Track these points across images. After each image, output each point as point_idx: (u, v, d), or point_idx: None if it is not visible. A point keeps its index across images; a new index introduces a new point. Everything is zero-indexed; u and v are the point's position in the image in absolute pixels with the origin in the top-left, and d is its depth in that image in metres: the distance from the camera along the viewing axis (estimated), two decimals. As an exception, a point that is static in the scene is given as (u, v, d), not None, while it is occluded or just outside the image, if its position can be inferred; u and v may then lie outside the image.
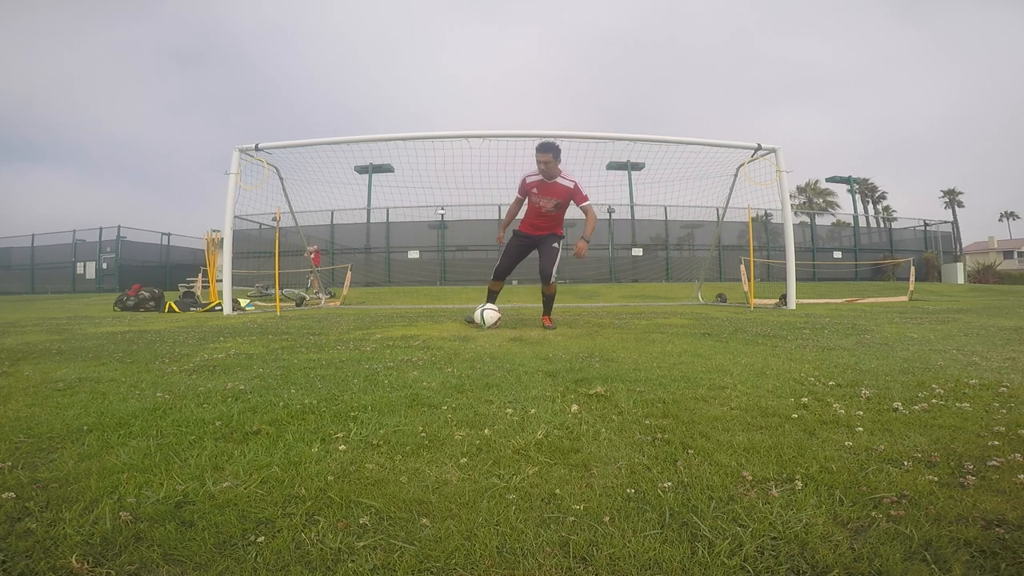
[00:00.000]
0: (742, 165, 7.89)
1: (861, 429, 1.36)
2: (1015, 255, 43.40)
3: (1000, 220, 51.75)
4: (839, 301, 9.00)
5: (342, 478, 1.09)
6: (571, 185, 4.10)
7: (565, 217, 4.34)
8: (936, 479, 1.03)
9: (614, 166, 9.83)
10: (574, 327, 4.20)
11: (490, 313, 4.17)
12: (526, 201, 4.30)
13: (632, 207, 19.46)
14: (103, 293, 16.43)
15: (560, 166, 4.12)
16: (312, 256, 10.38)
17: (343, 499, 0.99)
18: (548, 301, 4.41)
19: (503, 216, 4.63)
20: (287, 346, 3.15)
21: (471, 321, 4.27)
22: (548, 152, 4.01)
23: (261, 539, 0.86)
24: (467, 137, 6.93)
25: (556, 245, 4.24)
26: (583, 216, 4.16)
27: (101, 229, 20.12)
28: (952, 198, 44.25)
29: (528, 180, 4.20)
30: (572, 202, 4.17)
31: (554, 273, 4.21)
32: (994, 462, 1.11)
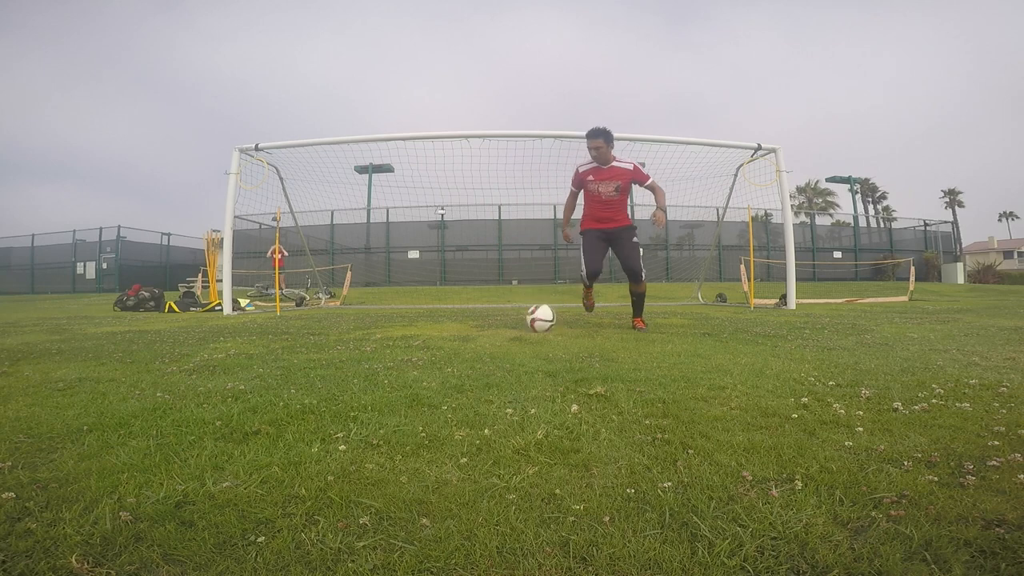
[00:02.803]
0: (742, 165, 7.89)
1: (861, 429, 1.35)
2: (1015, 255, 43.39)
3: (1000, 220, 51.77)
4: (839, 301, 9.00)
5: (342, 478, 1.09)
6: (630, 167, 4.02)
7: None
8: (936, 479, 1.03)
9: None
10: (574, 327, 4.20)
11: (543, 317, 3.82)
12: (581, 195, 4.16)
13: (632, 207, 19.42)
14: (103, 293, 16.43)
15: (614, 151, 4.07)
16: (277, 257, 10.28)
17: (343, 499, 0.99)
18: (639, 300, 4.23)
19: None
20: (287, 346, 3.15)
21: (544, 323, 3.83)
22: (599, 138, 3.92)
23: (261, 539, 0.86)
24: (467, 137, 6.94)
25: (636, 239, 4.11)
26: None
27: (101, 229, 20.13)
28: (952, 198, 44.25)
29: (581, 170, 4.07)
30: (634, 184, 4.10)
31: (643, 268, 4.09)
32: (994, 462, 1.11)
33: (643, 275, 4.07)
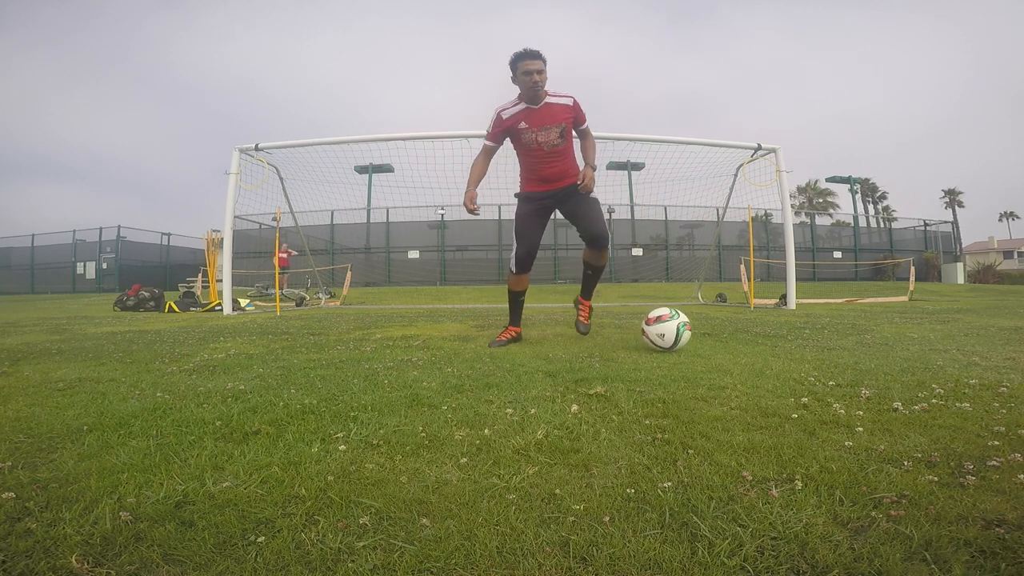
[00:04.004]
0: (742, 165, 7.89)
1: (861, 429, 1.35)
2: (1015, 255, 43.40)
3: (1000, 220, 51.82)
4: (839, 301, 8.99)
5: (342, 478, 1.09)
6: (570, 101, 2.94)
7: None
8: (936, 479, 1.03)
9: (614, 166, 9.84)
10: (574, 327, 4.19)
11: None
12: (516, 152, 3.07)
13: (632, 207, 19.47)
14: (103, 293, 16.43)
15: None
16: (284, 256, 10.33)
17: (343, 499, 0.99)
18: (595, 276, 3.22)
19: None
20: (287, 346, 3.15)
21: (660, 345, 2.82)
22: (540, 59, 2.80)
23: (261, 539, 0.86)
24: (467, 137, 6.93)
25: (596, 195, 3.07)
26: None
27: (101, 229, 20.15)
28: (952, 198, 44.26)
29: (506, 115, 2.93)
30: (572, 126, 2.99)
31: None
32: (994, 462, 1.11)
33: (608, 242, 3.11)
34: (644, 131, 7.34)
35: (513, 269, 3.16)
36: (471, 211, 2.94)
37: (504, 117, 2.95)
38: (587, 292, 3.30)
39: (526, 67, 2.78)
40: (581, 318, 3.30)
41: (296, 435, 1.36)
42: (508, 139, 3.04)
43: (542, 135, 2.91)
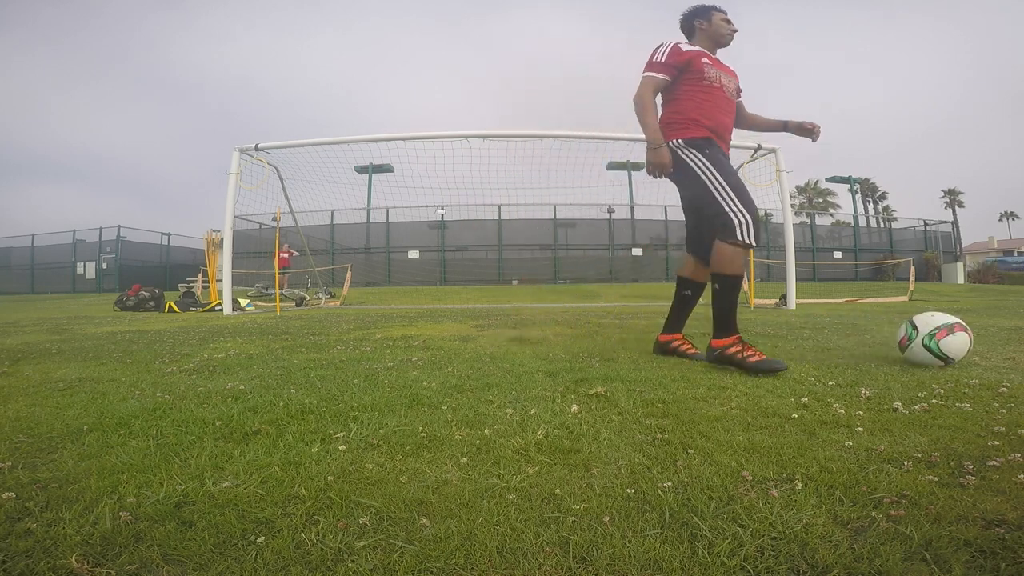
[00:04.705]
0: (742, 165, 7.89)
1: (861, 429, 1.35)
2: (1015, 255, 43.39)
3: (1000, 220, 51.88)
4: (839, 301, 8.99)
5: (342, 478, 1.09)
6: (734, 70, 2.64)
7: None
8: (936, 479, 1.03)
9: (614, 166, 9.86)
10: (574, 327, 4.20)
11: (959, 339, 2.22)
12: (676, 91, 2.47)
13: (632, 207, 19.49)
14: (103, 293, 16.44)
15: None
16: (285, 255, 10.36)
17: (343, 499, 0.99)
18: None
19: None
20: (287, 346, 3.15)
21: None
22: None
23: (261, 539, 0.86)
24: (467, 137, 6.94)
25: None
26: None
27: (101, 229, 20.17)
28: (952, 198, 44.30)
29: (686, 48, 2.46)
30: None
31: None
32: (994, 462, 1.11)
33: None
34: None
35: (751, 240, 2.24)
36: (668, 171, 2.39)
37: (684, 50, 2.45)
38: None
39: (726, 16, 2.57)
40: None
41: (296, 435, 1.36)
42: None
43: (724, 79, 2.51)
